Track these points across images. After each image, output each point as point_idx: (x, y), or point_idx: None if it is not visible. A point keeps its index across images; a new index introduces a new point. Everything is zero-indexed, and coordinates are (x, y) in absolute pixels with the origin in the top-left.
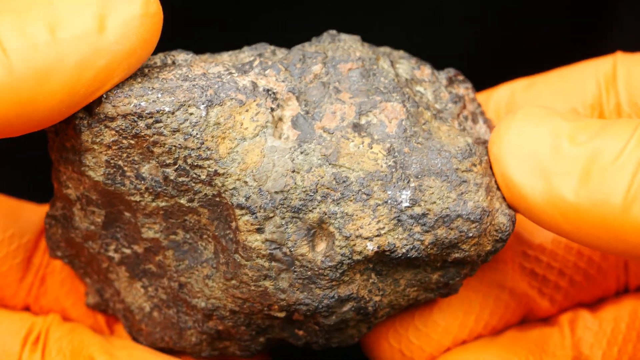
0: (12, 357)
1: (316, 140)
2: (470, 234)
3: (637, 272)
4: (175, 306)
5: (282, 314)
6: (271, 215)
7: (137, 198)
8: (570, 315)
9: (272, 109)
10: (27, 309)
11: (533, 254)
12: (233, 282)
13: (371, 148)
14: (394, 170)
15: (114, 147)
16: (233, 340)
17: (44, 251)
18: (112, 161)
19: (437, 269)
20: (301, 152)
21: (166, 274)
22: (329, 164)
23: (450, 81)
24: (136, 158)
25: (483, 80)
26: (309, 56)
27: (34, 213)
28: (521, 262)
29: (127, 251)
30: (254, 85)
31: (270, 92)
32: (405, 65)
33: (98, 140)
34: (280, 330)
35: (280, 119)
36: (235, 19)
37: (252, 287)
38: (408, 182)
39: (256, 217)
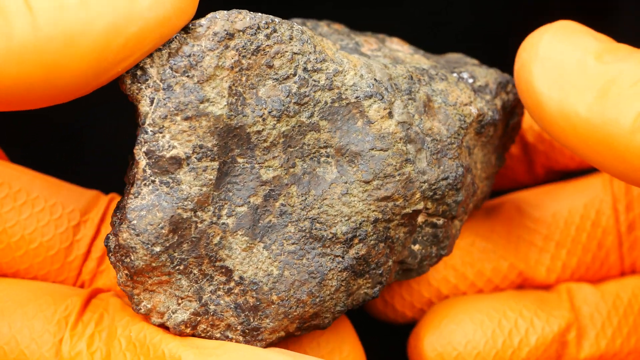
0: (45, 345)
1: (372, 56)
2: (518, 97)
3: None
4: (308, 253)
5: (420, 205)
6: (393, 99)
7: (259, 127)
8: (569, 285)
9: None
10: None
11: (532, 226)
12: (376, 182)
13: (413, 56)
14: (442, 63)
15: (235, 69)
16: (368, 272)
17: (95, 226)
18: (233, 87)
19: (496, 150)
20: (372, 60)
21: (291, 219)
22: (399, 64)
23: None
24: (254, 81)
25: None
26: (307, 22)
27: (76, 191)
28: (520, 234)
29: (243, 209)
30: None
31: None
32: None
33: (220, 63)
34: (402, 248)
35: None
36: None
37: (397, 177)
38: (458, 70)
39: (384, 101)
